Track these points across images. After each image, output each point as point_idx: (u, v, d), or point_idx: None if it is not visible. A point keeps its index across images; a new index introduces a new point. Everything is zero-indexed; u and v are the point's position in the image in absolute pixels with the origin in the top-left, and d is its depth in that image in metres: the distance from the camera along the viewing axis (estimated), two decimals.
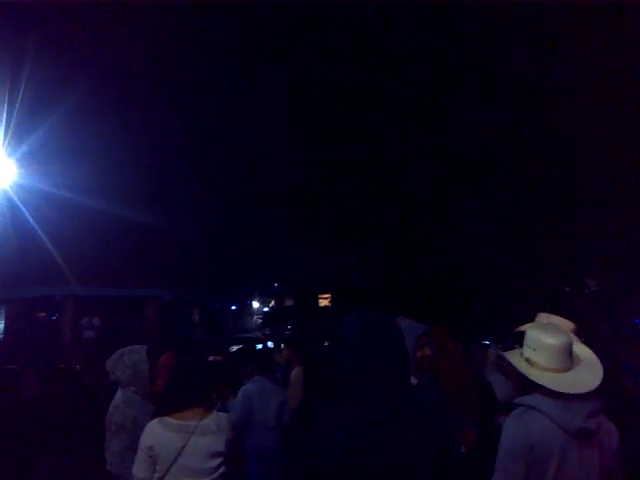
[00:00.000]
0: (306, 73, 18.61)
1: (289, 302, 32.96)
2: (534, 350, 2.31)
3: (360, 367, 1.69)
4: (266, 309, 34.02)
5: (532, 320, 2.88)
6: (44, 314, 17.37)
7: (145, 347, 4.06)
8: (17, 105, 8.35)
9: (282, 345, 6.53)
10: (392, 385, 1.67)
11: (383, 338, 1.73)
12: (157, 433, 2.68)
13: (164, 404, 2.89)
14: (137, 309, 17.81)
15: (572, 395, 2.15)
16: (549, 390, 2.17)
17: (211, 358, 7.19)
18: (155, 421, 2.75)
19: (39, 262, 12.33)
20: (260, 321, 31.31)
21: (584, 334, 2.94)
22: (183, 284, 18.24)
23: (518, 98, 14.70)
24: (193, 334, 19.36)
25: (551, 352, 2.27)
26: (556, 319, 2.84)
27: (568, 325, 2.81)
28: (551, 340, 2.28)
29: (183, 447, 2.64)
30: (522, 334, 2.45)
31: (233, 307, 27.07)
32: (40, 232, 10.87)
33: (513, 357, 2.41)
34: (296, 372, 5.29)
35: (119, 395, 3.81)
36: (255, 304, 32.78)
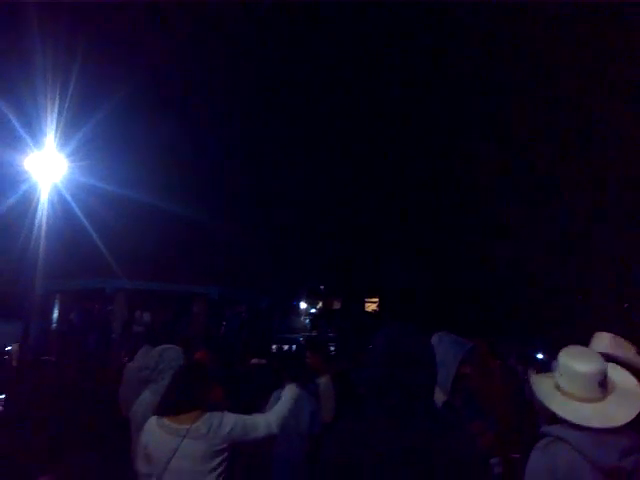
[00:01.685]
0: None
1: (337, 305, 32.73)
2: (562, 376, 2.12)
3: (384, 383, 1.67)
4: (313, 310, 33.93)
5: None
6: (96, 306, 17.90)
7: (176, 347, 4.03)
8: (67, 101, 8.57)
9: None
10: (415, 404, 1.64)
11: (411, 355, 1.70)
12: (153, 431, 2.82)
13: (162, 403, 2.97)
14: (186, 305, 18.06)
15: (606, 428, 1.92)
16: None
17: (254, 361, 7.03)
18: (154, 419, 2.88)
19: (90, 255, 12.66)
20: (307, 322, 31.26)
21: None
22: (231, 282, 18.36)
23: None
24: (241, 334, 19.45)
25: (579, 380, 2.06)
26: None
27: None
28: (579, 367, 2.06)
29: (176, 450, 2.72)
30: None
31: (280, 307, 27.09)
32: (89, 226, 11.14)
33: (543, 383, 2.20)
34: (325, 382, 4.99)
35: (147, 394, 3.75)
36: (303, 305, 32.76)
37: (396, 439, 1.56)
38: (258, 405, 4.41)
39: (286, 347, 14.89)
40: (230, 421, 2.89)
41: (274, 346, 14.75)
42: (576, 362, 2.08)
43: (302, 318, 32.04)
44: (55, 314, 15.88)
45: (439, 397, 2.64)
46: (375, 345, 1.78)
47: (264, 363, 6.73)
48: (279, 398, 4.44)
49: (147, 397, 3.68)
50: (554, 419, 2.07)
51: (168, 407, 2.88)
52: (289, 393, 3.54)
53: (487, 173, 17.20)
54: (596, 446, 1.89)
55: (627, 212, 14.05)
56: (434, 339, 2.93)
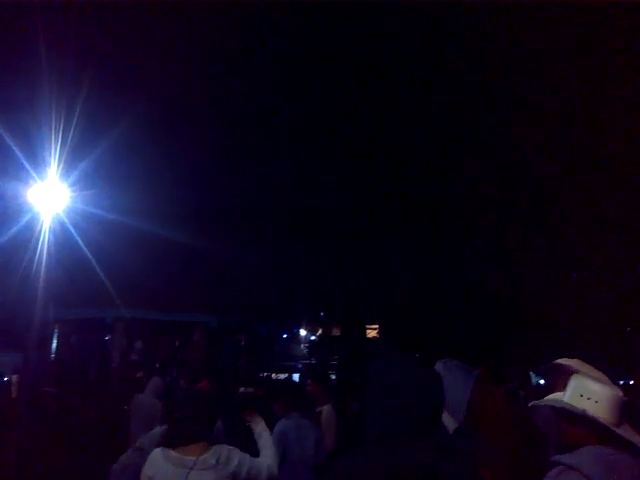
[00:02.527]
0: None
1: (336, 331, 32.38)
2: (596, 402, 1.99)
3: (388, 414, 1.64)
4: (313, 337, 33.57)
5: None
6: (95, 336, 17.76)
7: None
8: (70, 132, 8.69)
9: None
10: (421, 433, 1.61)
11: (415, 384, 1.68)
12: (158, 464, 2.74)
13: (169, 435, 2.96)
14: (186, 334, 17.97)
15: (618, 457, 1.88)
16: (593, 449, 1.91)
17: (242, 389, 6.95)
18: (158, 450, 2.81)
19: (90, 285, 12.63)
20: (307, 350, 30.92)
21: None
22: (231, 310, 18.28)
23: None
24: (239, 362, 19.29)
25: (614, 404, 1.99)
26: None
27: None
28: (612, 391, 2.01)
29: None
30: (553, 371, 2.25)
31: (280, 334, 26.88)
32: (90, 256, 11.15)
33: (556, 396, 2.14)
34: (327, 413, 4.94)
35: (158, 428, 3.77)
36: (303, 332, 32.41)
37: (402, 467, 1.54)
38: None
39: (283, 376, 14.74)
40: (237, 457, 2.87)
41: (266, 374, 14.60)
42: (604, 386, 2.02)
43: (302, 346, 31.70)
44: (54, 344, 15.77)
45: (450, 424, 2.64)
46: (375, 375, 1.77)
47: (251, 392, 6.63)
48: (282, 428, 4.38)
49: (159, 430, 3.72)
50: (564, 447, 2.02)
51: (176, 438, 2.85)
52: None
53: (485, 194, 17.23)
54: (608, 474, 1.84)
55: (630, 232, 14.03)
56: (438, 366, 2.93)
